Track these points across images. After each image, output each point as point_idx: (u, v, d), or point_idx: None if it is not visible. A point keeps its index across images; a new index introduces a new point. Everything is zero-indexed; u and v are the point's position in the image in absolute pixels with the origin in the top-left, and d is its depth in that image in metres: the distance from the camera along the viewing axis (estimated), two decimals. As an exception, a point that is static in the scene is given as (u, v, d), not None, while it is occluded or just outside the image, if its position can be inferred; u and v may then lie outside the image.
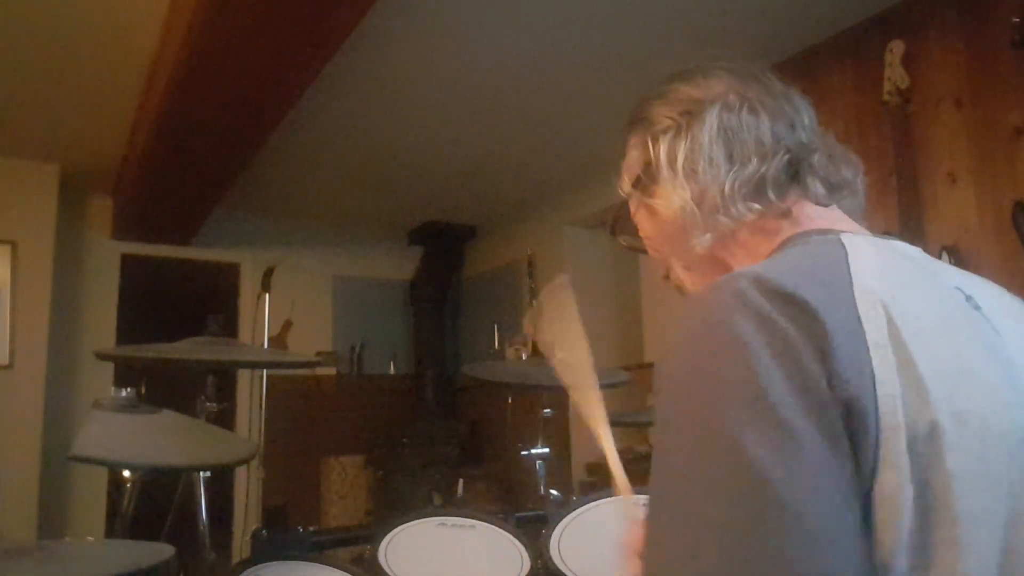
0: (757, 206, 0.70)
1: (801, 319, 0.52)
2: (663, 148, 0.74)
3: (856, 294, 0.54)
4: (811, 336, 0.51)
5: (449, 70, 3.15)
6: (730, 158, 0.71)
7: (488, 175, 4.55)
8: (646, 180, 0.77)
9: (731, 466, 0.49)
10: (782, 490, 0.47)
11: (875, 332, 0.52)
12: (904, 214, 2.41)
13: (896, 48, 2.52)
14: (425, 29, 2.80)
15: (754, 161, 0.70)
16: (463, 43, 2.93)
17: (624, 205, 0.84)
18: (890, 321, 0.53)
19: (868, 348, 0.51)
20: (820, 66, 2.89)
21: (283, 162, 4.12)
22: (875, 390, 0.50)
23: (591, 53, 3.01)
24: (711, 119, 0.72)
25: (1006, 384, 0.56)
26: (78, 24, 2.68)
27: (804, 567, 0.46)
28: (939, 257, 2.33)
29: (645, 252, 0.85)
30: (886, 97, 2.53)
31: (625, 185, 0.81)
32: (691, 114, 0.73)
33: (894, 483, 0.49)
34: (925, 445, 0.49)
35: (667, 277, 0.85)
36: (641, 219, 0.82)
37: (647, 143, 0.76)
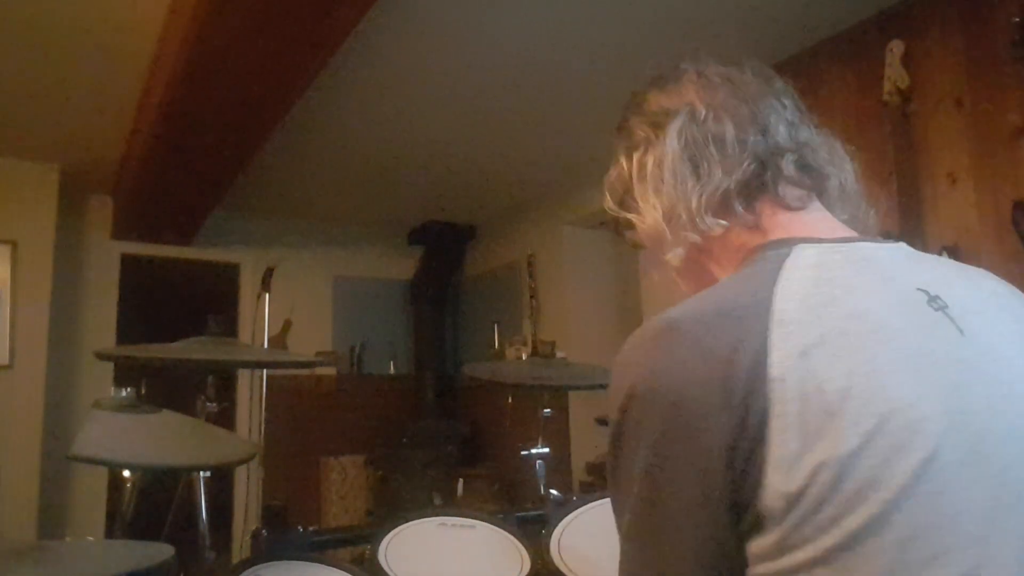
0: (724, 222, 0.71)
1: (708, 365, 0.56)
2: (635, 164, 0.77)
3: (771, 325, 0.56)
4: (716, 384, 0.55)
5: (449, 70, 3.15)
6: (695, 172, 0.72)
7: (488, 175, 4.55)
8: (624, 197, 0.80)
9: (642, 503, 0.59)
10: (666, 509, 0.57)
11: (778, 365, 0.54)
12: (904, 214, 2.41)
13: (896, 48, 2.52)
14: (425, 29, 2.80)
15: (718, 173, 0.71)
16: (463, 43, 2.93)
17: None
18: (803, 348, 0.55)
19: (767, 382, 0.54)
20: (820, 66, 2.89)
21: (283, 162, 4.12)
22: (769, 424, 0.53)
23: (590, 53, 3.01)
24: (674, 133, 0.73)
25: (933, 392, 0.55)
26: (78, 24, 2.68)
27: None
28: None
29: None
30: (886, 97, 2.53)
31: (608, 202, 0.84)
32: (658, 126, 0.75)
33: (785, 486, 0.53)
34: (826, 472, 0.52)
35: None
36: (635, 230, 0.83)
37: (623, 160, 0.80)
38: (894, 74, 2.51)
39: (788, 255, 0.64)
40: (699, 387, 0.55)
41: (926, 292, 0.62)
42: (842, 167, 0.78)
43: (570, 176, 4.50)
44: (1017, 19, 2.21)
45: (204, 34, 2.34)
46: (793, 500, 0.51)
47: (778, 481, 0.52)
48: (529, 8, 2.68)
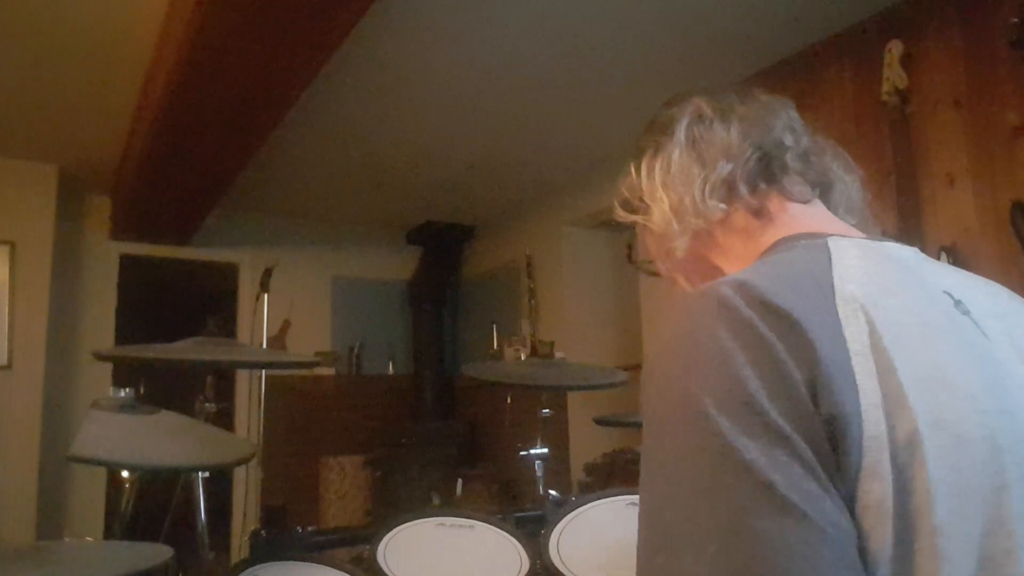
0: (723, 206, 0.73)
1: (782, 327, 0.52)
2: (643, 168, 0.79)
3: (837, 301, 0.55)
4: (793, 344, 0.51)
5: (448, 71, 3.15)
6: (701, 164, 0.74)
7: (487, 175, 4.55)
8: (636, 202, 0.81)
9: (732, 471, 0.48)
10: (787, 492, 0.47)
11: (856, 340, 0.52)
12: (902, 214, 2.42)
13: (895, 48, 2.53)
14: (424, 30, 2.80)
15: (722, 162, 0.73)
16: (462, 44, 2.93)
17: (638, 233, 0.88)
18: (871, 328, 0.53)
19: (850, 356, 0.51)
20: (819, 66, 2.89)
21: (282, 162, 4.12)
22: (858, 400, 0.50)
23: (590, 54, 3.01)
24: (680, 132, 0.76)
25: (986, 390, 0.55)
26: (77, 24, 2.68)
27: (818, 564, 0.46)
28: (937, 257, 2.34)
29: (660, 275, 0.88)
30: (885, 97, 2.53)
31: (619, 212, 0.85)
32: (666, 132, 0.78)
33: (878, 493, 0.49)
34: (905, 454, 0.49)
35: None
36: (643, 240, 0.85)
37: (632, 169, 0.82)
38: (893, 74, 2.52)
39: (826, 244, 0.63)
40: (779, 344, 0.51)
41: (951, 296, 0.62)
42: (848, 176, 0.79)
43: (569, 176, 4.51)
44: (1015, 19, 2.21)
45: (202, 35, 2.34)
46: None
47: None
48: (528, 9, 2.68)
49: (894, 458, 0.49)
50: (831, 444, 0.49)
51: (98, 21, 2.66)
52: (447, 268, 5.85)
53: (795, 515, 0.46)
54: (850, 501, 0.49)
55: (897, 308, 0.56)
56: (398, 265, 5.81)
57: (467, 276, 5.90)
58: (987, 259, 2.31)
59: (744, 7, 2.69)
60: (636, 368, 3.69)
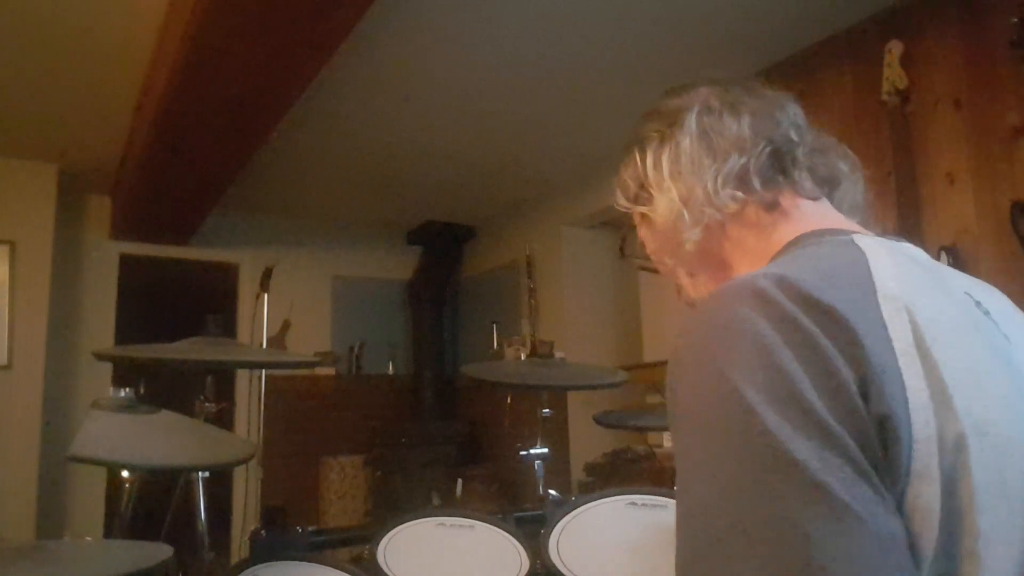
0: (740, 194, 0.71)
1: (827, 323, 0.50)
2: (650, 158, 0.76)
3: (880, 299, 0.53)
4: (839, 340, 0.49)
5: (448, 70, 3.15)
6: (712, 155, 0.72)
7: (487, 175, 4.55)
8: (639, 192, 0.79)
9: (783, 472, 0.45)
10: (843, 494, 0.45)
11: (901, 339, 0.50)
12: (902, 215, 2.42)
13: (895, 48, 2.53)
14: (424, 29, 2.80)
15: (734, 155, 0.71)
16: (462, 44, 2.93)
17: (632, 228, 0.85)
18: (915, 327, 0.51)
19: (896, 356, 0.50)
20: (819, 66, 2.89)
21: (282, 162, 4.12)
22: (907, 399, 0.48)
23: (590, 53, 3.01)
24: (690, 122, 0.74)
25: (1016, 393, 0.54)
26: (77, 24, 2.68)
27: (876, 570, 0.44)
28: (937, 258, 2.34)
29: (657, 271, 0.85)
30: (884, 97, 2.53)
31: (620, 199, 0.82)
32: (673, 122, 0.75)
33: (928, 496, 0.47)
34: (952, 457, 0.48)
35: (679, 292, 0.84)
36: (643, 234, 0.82)
37: (636, 158, 0.79)
38: (893, 74, 2.52)
39: (854, 242, 0.61)
40: (825, 340, 0.49)
41: (971, 297, 0.61)
42: (854, 174, 0.78)
43: (569, 176, 4.51)
44: (1015, 19, 2.21)
45: (202, 34, 2.34)
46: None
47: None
48: (528, 9, 2.68)
49: (942, 461, 0.48)
50: (882, 445, 0.47)
51: (98, 21, 2.66)
52: (447, 268, 5.85)
53: (851, 520, 0.44)
54: (899, 504, 0.47)
55: (933, 308, 0.55)
56: (398, 265, 5.81)
57: (467, 276, 5.90)
58: (987, 259, 2.31)
59: (744, 7, 2.69)
60: (636, 368, 3.70)
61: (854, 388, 0.48)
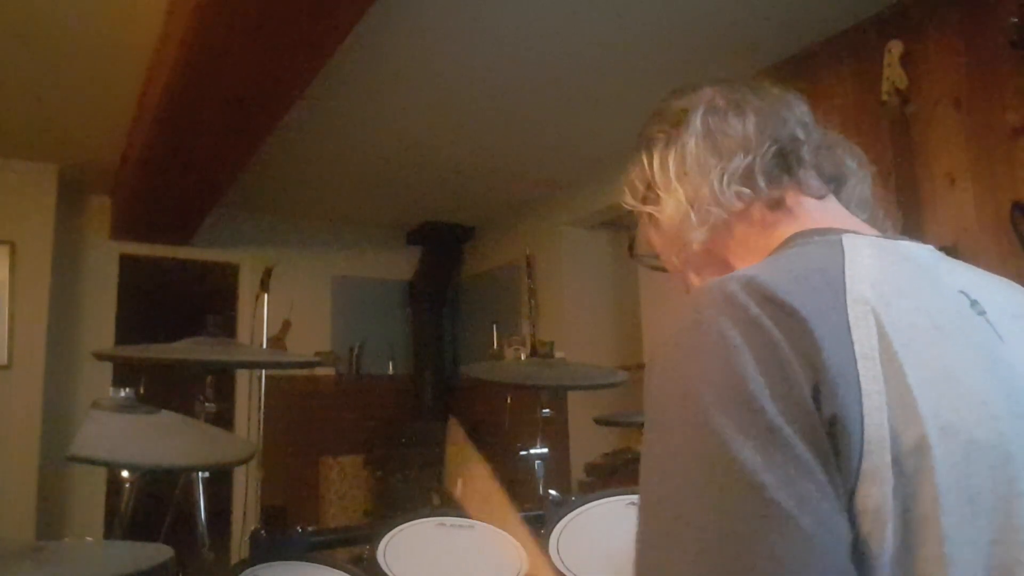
0: (747, 191, 0.71)
1: (789, 325, 0.51)
2: (656, 159, 0.77)
3: (848, 301, 0.54)
4: (798, 343, 0.50)
5: (448, 70, 3.15)
6: (718, 155, 0.72)
7: (487, 175, 4.55)
8: (646, 193, 0.79)
9: (723, 470, 0.48)
10: (776, 494, 0.46)
11: (864, 342, 0.52)
12: (902, 215, 2.42)
13: (895, 48, 2.53)
14: (425, 29, 2.80)
15: (739, 154, 0.72)
16: (462, 44, 2.93)
17: (640, 226, 0.86)
18: (880, 331, 0.52)
19: (856, 359, 0.51)
20: (818, 66, 2.89)
21: (282, 162, 4.12)
22: (861, 402, 0.49)
23: (590, 53, 3.01)
24: (695, 123, 0.75)
25: (999, 394, 0.55)
26: (76, 24, 2.68)
27: (800, 570, 0.45)
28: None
29: (664, 270, 0.86)
30: (884, 97, 2.53)
31: (628, 199, 0.83)
32: (678, 123, 0.76)
33: (877, 497, 0.48)
34: (912, 459, 0.49)
35: (689, 291, 0.84)
36: (651, 235, 0.83)
37: (643, 159, 0.79)
38: (893, 74, 2.52)
39: (840, 242, 0.62)
40: (784, 342, 0.51)
41: (967, 296, 0.61)
42: (861, 171, 0.79)
43: (569, 176, 4.51)
44: (1015, 19, 2.21)
45: (202, 34, 2.34)
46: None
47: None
48: (528, 9, 2.68)
49: (897, 463, 0.49)
50: (832, 446, 0.48)
51: (98, 21, 2.66)
52: (447, 268, 5.85)
53: (782, 519, 0.46)
54: (849, 503, 0.48)
55: (910, 310, 0.55)
56: (398, 265, 5.81)
57: (467, 276, 5.90)
58: (987, 260, 2.31)
59: (744, 7, 2.69)
60: (636, 368, 3.70)
61: (807, 390, 0.49)
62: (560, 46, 2.96)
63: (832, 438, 0.49)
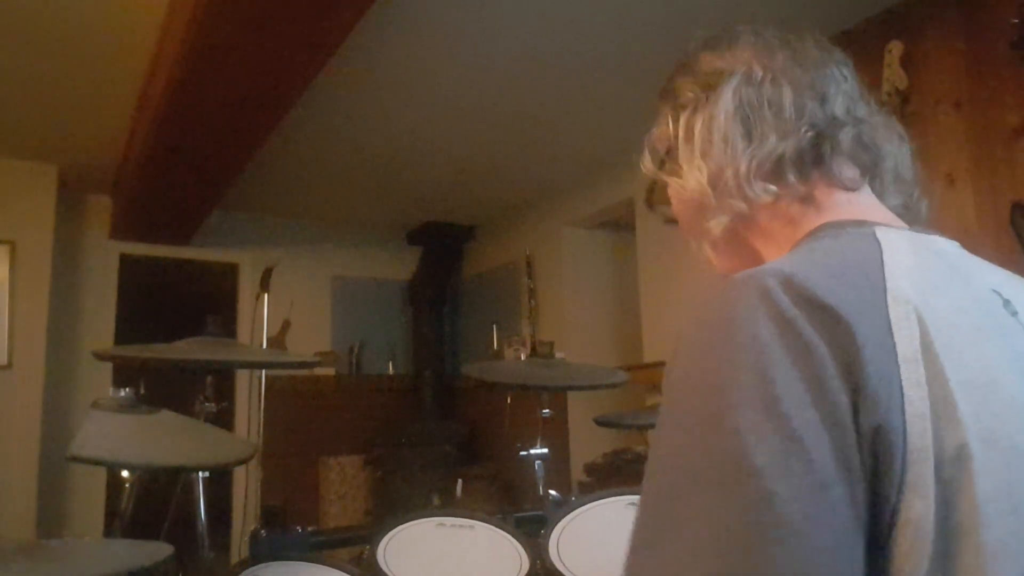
0: (774, 188, 0.66)
1: (829, 328, 0.48)
2: (681, 125, 0.71)
3: (889, 300, 0.51)
4: (838, 348, 0.47)
5: (448, 71, 3.15)
6: (747, 135, 0.67)
7: (487, 175, 4.55)
8: (666, 158, 0.74)
9: (733, 473, 0.45)
10: (785, 507, 0.43)
11: (906, 345, 0.49)
12: (902, 214, 2.42)
13: (895, 49, 2.53)
14: (425, 29, 2.80)
15: (772, 138, 0.66)
16: (462, 44, 2.93)
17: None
18: (923, 332, 0.49)
19: (898, 363, 0.48)
20: (819, 67, 2.89)
21: (282, 162, 4.12)
22: (903, 410, 0.47)
23: (589, 54, 3.01)
24: (728, 94, 0.68)
25: None
26: (77, 24, 2.68)
27: None
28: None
29: (679, 225, 0.81)
30: (884, 98, 2.53)
31: (647, 161, 0.77)
32: (711, 87, 0.70)
33: (920, 508, 0.46)
34: (952, 468, 0.46)
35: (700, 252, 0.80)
36: (672, 194, 0.78)
37: (668, 120, 0.74)
38: (893, 75, 2.52)
39: (874, 235, 0.59)
40: (822, 347, 0.48)
41: (1000, 295, 0.59)
42: (899, 148, 0.74)
43: (569, 177, 4.51)
44: (1016, 20, 2.21)
45: (203, 34, 2.34)
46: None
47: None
48: (528, 9, 2.68)
49: (938, 471, 0.46)
50: (873, 457, 0.46)
51: (98, 21, 2.66)
52: (447, 268, 5.85)
53: (788, 533, 0.43)
54: (892, 516, 0.46)
55: (948, 309, 0.52)
56: (398, 265, 5.81)
57: (467, 276, 5.90)
58: (987, 259, 2.31)
59: (744, 7, 2.69)
60: (636, 368, 3.70)
61: (844, 399, 0.46)
62: (560, 46, 2.96)
63: (874, 451, 0.46)
